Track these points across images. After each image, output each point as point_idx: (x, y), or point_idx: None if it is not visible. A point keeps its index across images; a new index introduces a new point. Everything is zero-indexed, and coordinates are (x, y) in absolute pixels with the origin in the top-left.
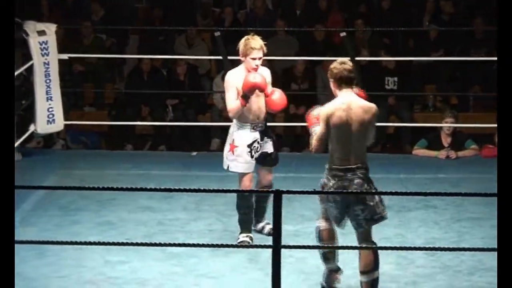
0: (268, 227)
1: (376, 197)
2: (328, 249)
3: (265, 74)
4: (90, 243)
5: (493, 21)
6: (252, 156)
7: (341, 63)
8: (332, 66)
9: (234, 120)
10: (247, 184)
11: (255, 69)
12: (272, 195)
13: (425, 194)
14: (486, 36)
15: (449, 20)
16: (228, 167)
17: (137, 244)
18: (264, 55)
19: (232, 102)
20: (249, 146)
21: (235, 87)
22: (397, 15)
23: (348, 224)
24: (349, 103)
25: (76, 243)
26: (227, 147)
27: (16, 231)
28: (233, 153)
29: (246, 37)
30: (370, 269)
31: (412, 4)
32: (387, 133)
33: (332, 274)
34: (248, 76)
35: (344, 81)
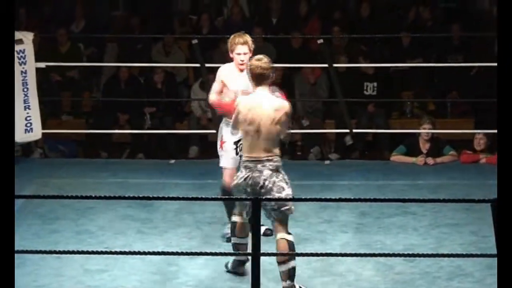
0: (263, 228)
1: (286, 190)
2: (239, 241)
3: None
4: (69, 252)
5: (470, 27)
6: (237, 153)
7: (257, 60)
8: (250, 62)
9: (224, 118)
10: (227, 180)
11: (241, 65)
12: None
13: (404, 200)
14: (463, 42)
15: (428, 27)
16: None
17: (116, 252)
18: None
19: (213, 95)
20: (235, 143)
21: (220, 81)
22: (374, 22)
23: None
24: (260, 100)
25: (55, 252)
26: (218, 144)
27: None
28: (222, 148)
29: (234, 34)
30: (286, 260)
31: (390, 11)
32: (365, 140)
33: (240, 265)
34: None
35: (259, 78)
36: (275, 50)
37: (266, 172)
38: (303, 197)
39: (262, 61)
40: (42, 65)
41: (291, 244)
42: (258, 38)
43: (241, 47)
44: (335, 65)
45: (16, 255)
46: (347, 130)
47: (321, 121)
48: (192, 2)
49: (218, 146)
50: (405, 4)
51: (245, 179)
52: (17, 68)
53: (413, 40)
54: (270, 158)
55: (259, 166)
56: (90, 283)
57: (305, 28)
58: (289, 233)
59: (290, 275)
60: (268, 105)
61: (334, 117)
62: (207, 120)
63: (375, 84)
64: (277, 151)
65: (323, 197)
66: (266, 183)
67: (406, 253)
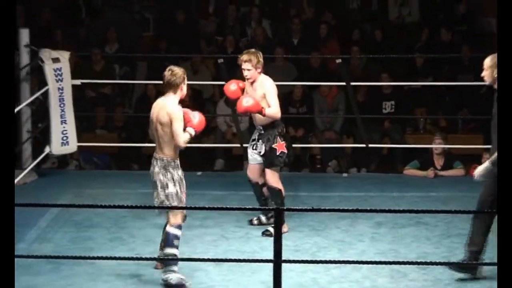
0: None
1: (171, 191)
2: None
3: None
4: (102, 258)
5: (479, 48)
6: (252, 149)
7: (168, 70)
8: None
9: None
10: (248, 172)
11: (247, 80)
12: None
13: (417, 211)
14: (473, 62)
15: (440, 47)
16: None
17: (146, 258)
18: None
19: None
20: (251, 141)
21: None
22: (390, 43)
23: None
24: (161, 105)
25: (89, 257)
26: None
27: (32, 246)
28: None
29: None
30: (162, 247)
31: (404, 32)
32: (381, 154)
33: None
34: (241, 100)
35: (165, 85)
36: (296, 69)
37: (155, 170)
38: (322, 208)
39: (172, 70)
40: (77, 82)
41: (168, 235)
42: (280, 58)
43: (245, 64)
44: (352, 83)
45: (51, 260)
46: (363, 145)
47: (339, 136)
48: (218, 24)
49: None
50: (417, 27)
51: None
52: (54, 85)
53: (425, 60)
54: (160, 157)
55: (154, 162)
56: (123, 287)
57: (325, 48)
58: (173, 225)
59: (163, 260)
60: (163, 110)
61: (351, 132)
62: (232, 135)
63: (393, 102)
64: (170, 151)
65: (341, 208)
66: (155, 178)
67: (419, 261)
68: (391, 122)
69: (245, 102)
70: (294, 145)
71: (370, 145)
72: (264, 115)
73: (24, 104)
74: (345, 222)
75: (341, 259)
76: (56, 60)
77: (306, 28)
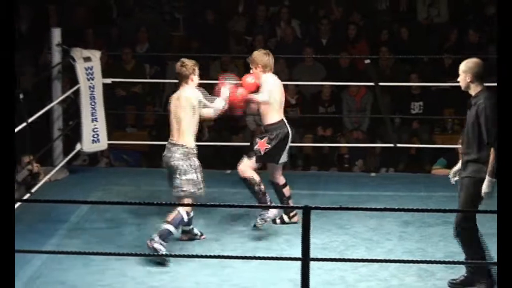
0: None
1: (185, 177)
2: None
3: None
4: (132, 254)
5: None
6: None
7: (179, 61)
8: None
9: None
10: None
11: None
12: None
13: (445, 211)
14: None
15: (467, 48)
16: None
17: (175, 255)
18: (290, 80)
19: None
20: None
21: None
22: (418, 43)
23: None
24: (176, 96)
25: (118, 254)
26: None
27: (63, 242)
28: None
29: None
30: (167, 220)
31: (432, 33)
32: (409, 154)
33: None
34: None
35: (177, 77)
36: (325, 69)
37: (177, 155)
38: (350, 206)
39: (182, 62)
40: (108, 81)
41: (178, 215)
42: (309, 58)
43: (251, 65)
44: (380, 83)
45: (82, 256)
46: (391, 145)
47: (366, 135)
48: (247, 23)
49: None
50: (445, 28)
51: (162, 157)
52: (85, 83)
53: (454, 61)
54: (181, 144)
55: (172, 148)
56: (151, 283)
57: (353, 49)
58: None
59: (161, 234)
60: (178, 100)
61: (379, 132)
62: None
63: (421, 103)
64: (187, 138)
65: (369, 207)
66: (174, 163)
67: (446, 260)
68: (419, 122)
69: (238, 91)
70: (322, 144)
71: (398, 145)
72: (251, 102)
73: (55, 102)
74: (373, 221)
75: (369, 257)
76: (87, 59)
77: (335, 29)
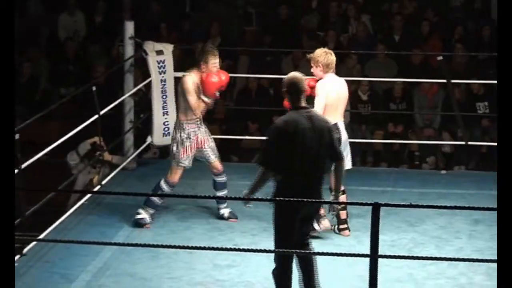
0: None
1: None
2: None
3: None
4: (200, 248)
5: None
6: None
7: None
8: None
9: None
10: None
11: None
12: None
13: None
14: None
15: None
16: None
17: (244, 249)
18: (362, 76)
19: None
20: None
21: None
22: (493, 41)
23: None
24: (182, 77)
25: (187, 247)
26: None
27: (132, 234)
28: None
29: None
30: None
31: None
32: (480, 152)
33: None
34: None
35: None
36: (397, 65)
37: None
38: (419, 204)
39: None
40: (180, 74)
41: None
42: (381, 54)
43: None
44: (453, 81)
45: (150, 249)
46: (463, 142)
47: (438, 133)
48: (320, 19)
49: None
50: None
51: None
52: (157, 77)
53: None
54: None
55: None
56: (219, 277)
57: (426, 45)
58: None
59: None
60: None
61: (450, 129)
62: None
63: (486, 103)
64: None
65: (438, 205)
66: None
67: None
68: (490, 120)
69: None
70: (393, 141)
71: (469, 143)
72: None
73: (127, 95)
74: (442, 218)
75: (438, 255)
76: (159, 52)
77: (408, 25)
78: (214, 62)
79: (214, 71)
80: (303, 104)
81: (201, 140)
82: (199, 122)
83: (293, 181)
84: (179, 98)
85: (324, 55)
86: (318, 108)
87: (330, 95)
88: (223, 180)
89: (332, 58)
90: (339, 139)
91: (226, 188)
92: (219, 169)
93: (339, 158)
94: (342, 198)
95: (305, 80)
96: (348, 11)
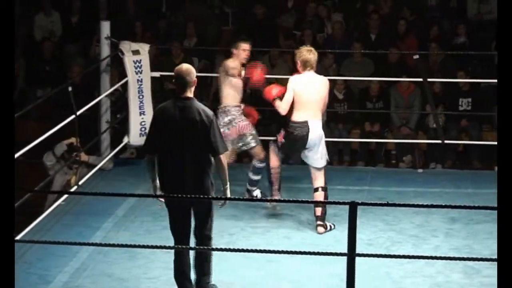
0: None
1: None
2: None
3: None
4: (178, 248)
5: None
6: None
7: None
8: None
9: None
10: None
11: None
12: None
13: (492, 208)
14: None
15: None
16: None
17: (221, 249)
18: (338, 75)
19: None
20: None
21: None
22: (468, 40)
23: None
24: None
25: (165, 247)
26: None
27: (109, 235)
28: None
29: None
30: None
31: (483, 29)
32: (457, 151)
33: None
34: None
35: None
36: (373, 64)
37: None
38: (396, 203)
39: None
40: (157, 74)
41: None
42: (357, 53)
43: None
44: (429, 79)
45: (128, 249)
46: (439, 141)
47: (414, 132)
48: (296, 18)
49: None
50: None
51: None
52: (134, 77)
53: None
54: None
55: None
56: None
57: (402, 44)
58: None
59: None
60: None
61: (426, 128)
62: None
63: (470, 99)
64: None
65: (415, 203)
66: None
67: (493, 257)
68: (468, 119)
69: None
70: (369, 140)
71: (446, 141)
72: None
73: (103, 95)
74: (419, 217)
75: (415, 254)
76: (136, 52)
77: (384, 24)
78: (244, 46)
79: (244, 55)
80: (188, 95)
81: (243, 126)
82: (241, 108)
83: (167, 168)
84: (222, 84)
85: (302, 53)
86: (284, 102)
87: (297, 91)
88: (262, 166)
89: (309, 56)
90: (305, 137)
91: (261, 174)
92: (260, 156)
93: (216, 153)
94: (322, 194)
95: (194, 73)
96: (324, 10)
